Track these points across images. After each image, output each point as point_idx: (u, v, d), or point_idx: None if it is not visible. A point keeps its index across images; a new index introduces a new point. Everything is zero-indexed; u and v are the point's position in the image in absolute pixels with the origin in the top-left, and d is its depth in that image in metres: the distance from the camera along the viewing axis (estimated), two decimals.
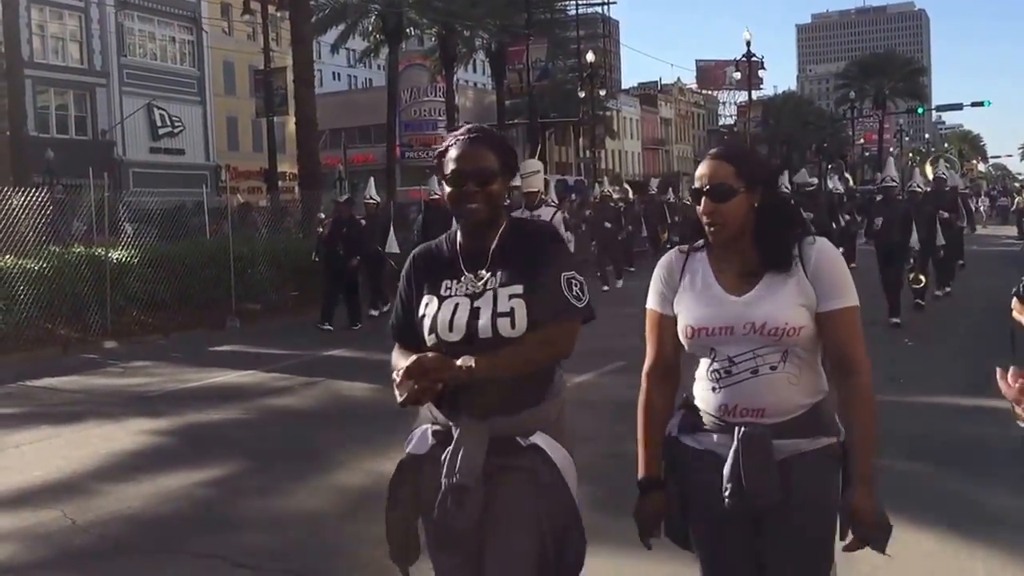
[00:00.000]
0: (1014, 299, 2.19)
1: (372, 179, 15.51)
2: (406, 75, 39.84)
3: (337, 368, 9.21)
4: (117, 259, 11.90)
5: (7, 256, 10.82)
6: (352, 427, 6.81)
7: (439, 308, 2.31)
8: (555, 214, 9.66)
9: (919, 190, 12.50)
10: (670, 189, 27.76)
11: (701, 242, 2.35)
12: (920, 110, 73.39)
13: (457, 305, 2.30)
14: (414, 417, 2.46)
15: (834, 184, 20.46)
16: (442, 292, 2.34)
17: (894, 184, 11.83)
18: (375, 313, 12.82)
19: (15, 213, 11.27)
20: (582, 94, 42.43)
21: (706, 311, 2.27)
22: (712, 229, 2.25)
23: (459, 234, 2.42)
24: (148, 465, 5.87)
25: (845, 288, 2.22)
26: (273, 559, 4.18)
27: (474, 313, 2.26)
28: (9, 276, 10.63)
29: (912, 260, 11.09)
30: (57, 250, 11.59)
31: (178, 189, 21.51)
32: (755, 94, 55.33)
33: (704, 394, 2.31)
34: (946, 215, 12.97)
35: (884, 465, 5.46)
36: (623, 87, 76.30)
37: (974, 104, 58.85)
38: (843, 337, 2.22)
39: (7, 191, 11.50)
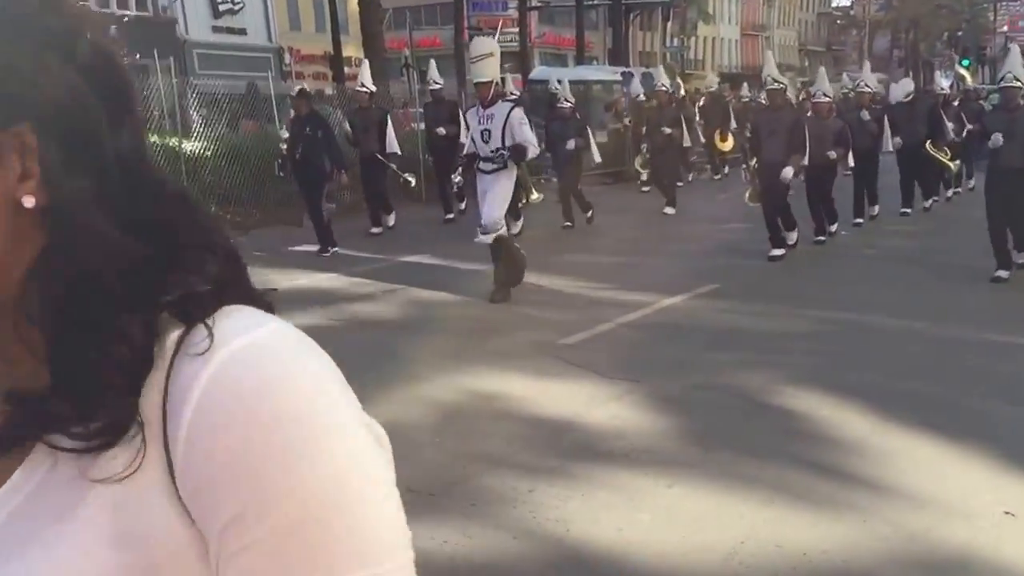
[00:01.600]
0: None
1: (433, 63, 14.94)
2: None
3: (420, 275, 9.54)
4: (191, 151, 12.28)
5: None
6: (438, 339, 7.15)
7: None
8: (512, 111, 8.20)
9: None
10: (745, 86, 24.82)
11: None
12: None
13: None
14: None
15: (937, 83, 17.30)
16: None
17: (1019, 85, 8.93)
18: (377, 231, 12.21)
19: None
20: None
21: None
22: None
23: None
24: None
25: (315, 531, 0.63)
26: None
27: None
28: None
29: None
30: None
31: (241, 73, 21.77)
32: None
33: None
34: None
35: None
36: None
37: None
38: None
39: None
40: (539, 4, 40.08)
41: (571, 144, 12.71)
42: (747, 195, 10.86)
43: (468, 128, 8.60)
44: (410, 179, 12.43)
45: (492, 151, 8.14)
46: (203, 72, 19.74)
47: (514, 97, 10.50)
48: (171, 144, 12.16)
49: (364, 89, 12.26)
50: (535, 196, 10.65)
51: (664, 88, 15.14)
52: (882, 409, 5.40)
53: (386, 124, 12.03)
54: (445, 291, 8.83)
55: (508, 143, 8.16)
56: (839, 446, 4.93)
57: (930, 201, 14.43)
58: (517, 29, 34.92)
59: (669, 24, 49.04)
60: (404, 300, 8.58)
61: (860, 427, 5.17)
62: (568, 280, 9.19)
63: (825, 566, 3.65)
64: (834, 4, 79.82)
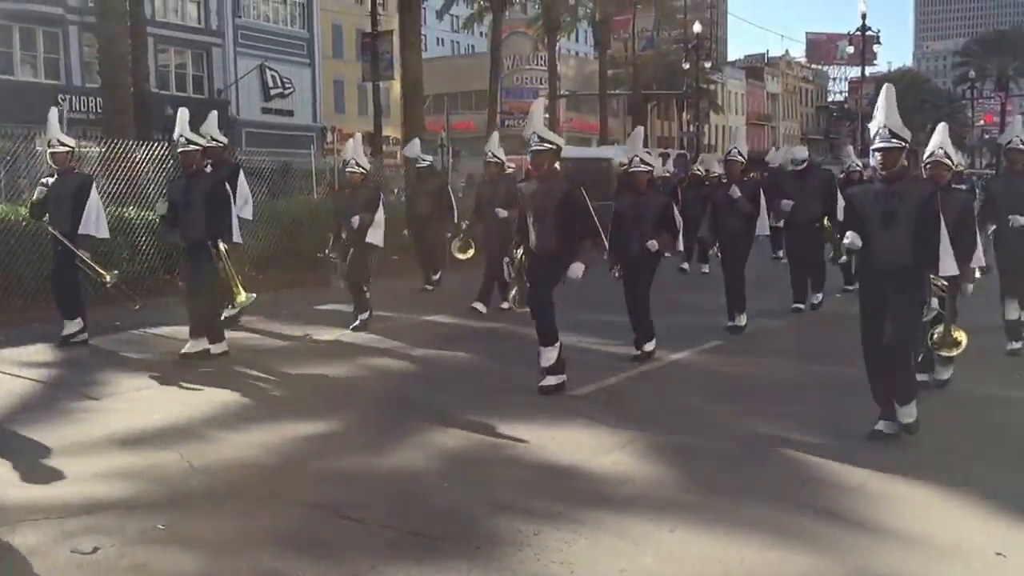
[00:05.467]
0: None
1: (416, 141, 13.68)
2: (509, 42, 39.95)
3: (438, 333, 9.40)
4: None
5: (131, 207, 11.35)
6: (452, 391, 6.97)
7: None
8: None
9: (946, 164, 6.36)
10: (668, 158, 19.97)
11: None
12: None
13: None
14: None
15: (846, 158, 14.30)
16: None
17: (899, 142, 5.35)
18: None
19: (139, 166, 11.81)
20: (686, 66, 41.80)
21: None
22: None
23: None
24: (259, 416, 6.15)
25: None
26: (375, 514, 4.36)
27: None
28: (133, 227, 11.16)
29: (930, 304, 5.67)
30: None
31: (286, 149, 22.16)
32: (868, 70, 53.56)
33: None
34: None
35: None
36: (729, 59, 74.78)
37: None
38: None
39: (131, 144, 12.04)
40: (567, 93, 40.74)
41: (355, 221, 9.21)
42: (512, 298, 7.55)
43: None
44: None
45: None
46: (249, 148, 20.12)
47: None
48: None
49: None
50: (243, 297, 7.78)
51: (496, 160, 11.08)
52: (879, 457, 5.23)
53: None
54: (461, 348, 8.65)
55: None
56: (838, 491, 4.75)
57: (819, 297, 10.84)
58: (547, 115, 35.59)
59: (684, 113, 49.70)
60: (422, 354, 8.43)
61: (858, 473, 4.99)
62: (580, 336, 8.98)
63: None
64: (831, 99, 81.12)
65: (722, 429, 5.88)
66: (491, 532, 4.18)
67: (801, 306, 10.62)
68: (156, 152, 12.15)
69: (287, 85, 36.24)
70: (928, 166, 6.47)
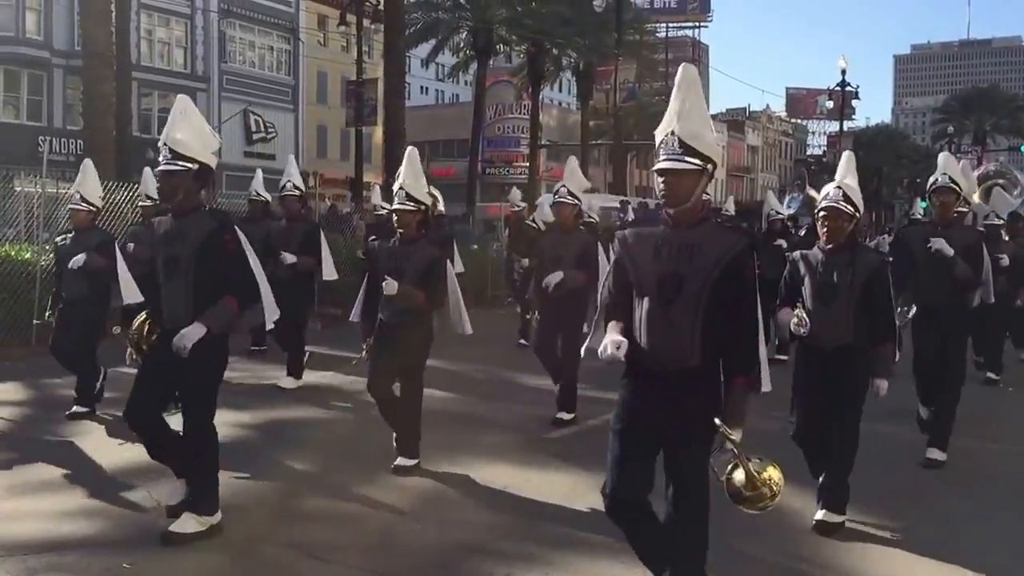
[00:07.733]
0: None
1: (377, 188, 14.29)
2: (493, 91, 40.39)
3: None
4: None
5: None
6: (426, 432, 6.92)
7: None
8: None
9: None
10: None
11: None
12: (1023, 148, 71.50)
13: None
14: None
15: (768, 205, 12.41)
16: None
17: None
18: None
19: (117, 208, 11.85)
20: None
21: None
22: None
23: None
24: (230, 455, 6.01)
25: None
26: (343, 554, 4.33)
27: None
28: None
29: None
30: None
31: (268, 194, 22.21)
32: (847, 125, 54.56)
33: None
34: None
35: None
36: (710, 112, 76.02)
37: None
38: None
39: (110, 186, 12.09)
40: (547, 143, 41.18)
41: (75, 261, 7.13)
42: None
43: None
44: None
45: None
46: (229, 192, 20.26)
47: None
48: None
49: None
50: None
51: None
52: (851, 501, 5.14)
53: None
54: (437, 388, 8.62)
55: None
56: (811, 536, 4.71)
57: None
58: (528, 164, 35.94)
59: None
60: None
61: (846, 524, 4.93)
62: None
63: None
64: (809, 153, 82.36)
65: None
66: (462, 574, 4.15)
67: None
68: (135, 194, 12.21)
69: (270, 129, 36.52)
70: (822, 216, 4.77)
